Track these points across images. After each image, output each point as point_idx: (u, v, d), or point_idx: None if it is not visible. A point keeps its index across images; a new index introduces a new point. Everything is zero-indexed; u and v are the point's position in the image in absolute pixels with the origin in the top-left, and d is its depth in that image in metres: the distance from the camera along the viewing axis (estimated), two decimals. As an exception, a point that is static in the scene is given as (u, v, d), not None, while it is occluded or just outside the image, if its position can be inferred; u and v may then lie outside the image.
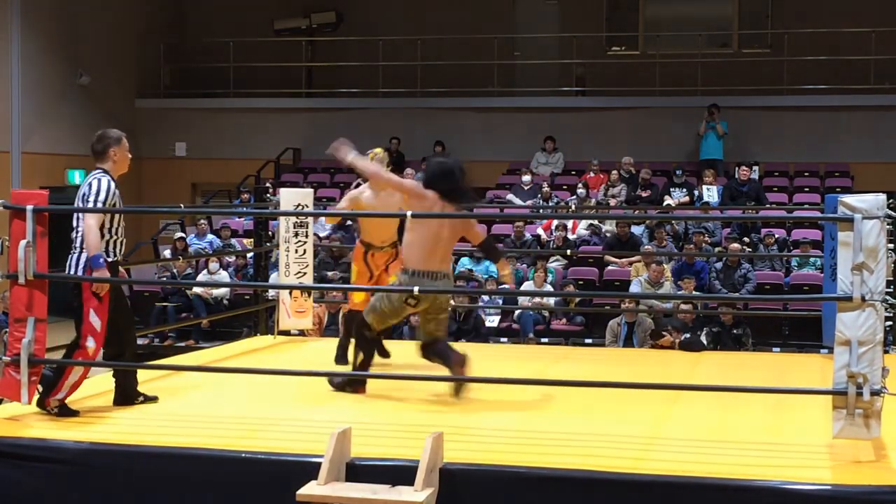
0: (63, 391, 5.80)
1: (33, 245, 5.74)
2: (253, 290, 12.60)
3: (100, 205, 5.79)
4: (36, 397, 5.80)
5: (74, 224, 5.92)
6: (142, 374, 6.93)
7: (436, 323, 6.37)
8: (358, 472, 4.92)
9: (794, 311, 10.11)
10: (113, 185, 5.88)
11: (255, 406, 6.20)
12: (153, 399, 6.18)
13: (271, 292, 9.34)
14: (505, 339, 12.64)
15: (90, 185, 5.86)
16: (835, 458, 5.07)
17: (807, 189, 17.12)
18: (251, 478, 5.07)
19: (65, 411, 5.79)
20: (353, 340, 6.63)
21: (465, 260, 14.63)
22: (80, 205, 5.84)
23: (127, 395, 6.08)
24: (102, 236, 5.83)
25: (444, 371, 6.34)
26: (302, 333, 9.91)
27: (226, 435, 5.47)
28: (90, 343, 5.83)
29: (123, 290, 6.11)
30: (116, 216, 5.91)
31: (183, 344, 13.84)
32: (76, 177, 18.79)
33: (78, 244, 5.89)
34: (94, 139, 6.02)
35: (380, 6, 20.34)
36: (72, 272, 5.87)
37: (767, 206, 15.38)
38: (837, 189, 16.24)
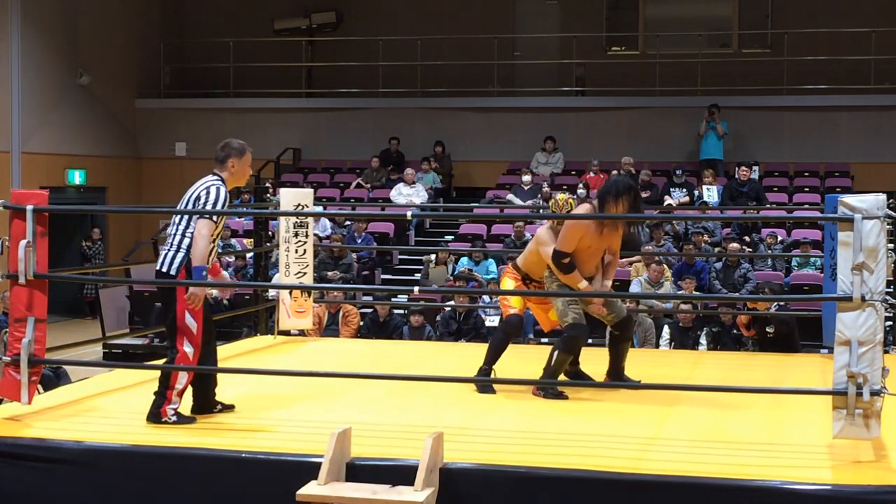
0: (174, 401, 5.67)
1: (33, 245, 5.73)
2: (253, 290, 12.61)
3: (214, 216, 5.66)
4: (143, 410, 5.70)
5: (177, 221, 5.75)
6: (142, 374, 6.94)
7: None
8: (358, 472, 4.92)
9: (794, 311, 10.11)
10: (226, 194, 5.74)
11: (256, 406, 6.20)
12: (231, 408, 6.02)
13: (271, 292, 9.34)
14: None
15: (207, 191, 5.70)
16: (835, 458, 5.07)
17: (807, 189, 17.12)
18: (251, 478, 5.07)
19: (182, 419, 5.68)
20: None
21: (464, 260, 14.63)
22: (192, 208, 5.70)
23: (207, 403, 5.95)
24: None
25: None
26: (302, 333, 9.91)
27: (226, 435, 5.47)
28: (187, 347, 5.67)
29: (207, 299, 5.86)
30: (222, 226, 5.79)
31: (183, 344, 13.81)
32: (76, 177, 18.80)
33: (176, 243, 5.72)
34: (220, 146, 5.90)
35: (380, 6, 20.35)
36: (164, 270, 5.70)
37: (767, 206, 15.38)
38: (837, 189, 16.24)
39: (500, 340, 6.91)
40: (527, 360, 7.17)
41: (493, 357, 6.85)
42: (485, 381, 6.62)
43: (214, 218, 5.66)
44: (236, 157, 5.85)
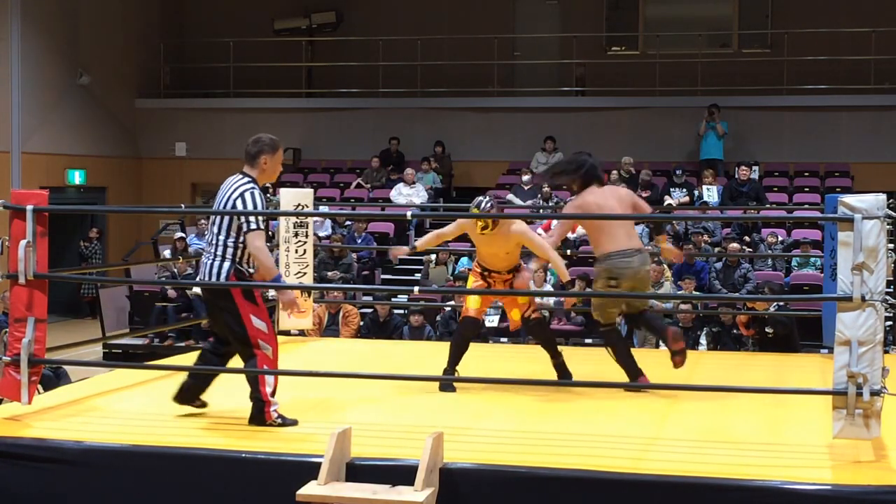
0: (273, 402, 5.62)
1: (33, 245, 5.73)
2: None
3: (260, 223, 5.51)
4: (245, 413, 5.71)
5: (215, 230, 5.58)
6: (142, 374, 6.94)
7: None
8: (358, 472, 4.92)
9: (794, 311, 10.11)
10: (262, 198, 5.57)
11: (255, 406, 6.19)
12: (205, 405, 5.95)
13: (271, 292, 9.34)
14: (505, 339, 12.63)
15: (242, 198, 5.52)
16: (835, 458, 5.07)
17: (807, 189, 17.12)
18: (251, 478, 5.07)
19: (286, 421, 5.63)
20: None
21: (464, 260, 14.63)
22: (228, 214, 5.53)
23: (192, 395, 5.88)
24: (237, 248, 5.57)
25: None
26: (302, 333, 9.91)
27: (226, 435, 5.47)
28: (266, 347, 5.61)
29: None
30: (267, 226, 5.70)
31: (183, 344, 13.84)
32: (76, 177, 18.81)
33: (220, 252, 5.58)
34: (250, 141, 5.69)
35: (380, 6, 20.35)
36: (213, 280, 5.59)
37: (767, 206, 15.39)
38: (837, 189, 16.24)
39: (458, 342, 6.93)
40: (528, 360, 7.16)
41: (454, 358, 6.86)
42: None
43: (261, 224, 5.51)
44: (269, 154, 5.67)
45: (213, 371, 5.84)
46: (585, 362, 7.22)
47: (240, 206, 5.53)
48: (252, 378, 5.64)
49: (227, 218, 5.56)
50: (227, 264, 5.59)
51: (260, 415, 5.62)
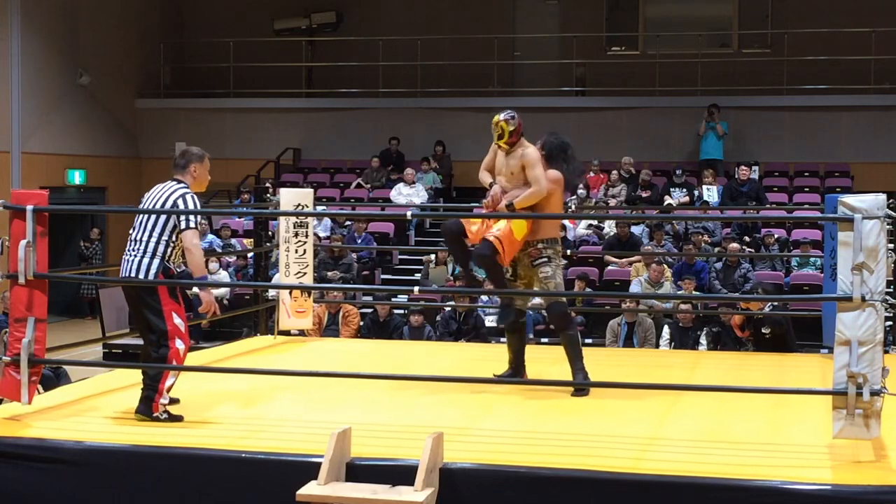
0: (165, 397, 5.72)
1: (33, 245, 5.73)
2: (253, 290, 12.61)
3: (198, 223, 5.84)
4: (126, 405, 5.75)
5: (149, 226, 5.78)
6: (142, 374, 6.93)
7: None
8: (358, 472, 4.92)
9: (794, 311, 10.11)
10: (198, 201, 5.90)
11: (255, 406, 6.20)
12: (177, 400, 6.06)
13: (271, 292, 9.34)
14: (504, 340, 12.62)
15: (184, 200, 5.80)
16: (835, 458, 5.07)
17: (807, 189, 17.13)
18: (251, 478, 5.07)
19: (172, 417, 5.72)
20: None
21: (464, 260, 14.60)
22: (178, 217, 5.76)
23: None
24: (169, 246, 5.79)
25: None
26: (302, 333, 9.91)
27: (226, 435, 5.47)
28: (179, 344, 5.76)
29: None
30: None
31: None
32: (76, 177, 18.81)
33: (151, 249, 5.77)
34: (178, 154, 6.07)
35: (380, 6, 20.35)
36: (142, 277, 5.74)
37: (767, 206, 15.39)
38: (837, 189, 16.25)
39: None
40: (528, 360, 7.14)
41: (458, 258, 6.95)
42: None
43: (198, 225, 5.79)
44: (198, 163, 6.02)
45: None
46: (586, 362, 7.20)
47: (180, 206, 5.81)
48: (155, 371, 5.71)
49: (163, 217, 5.81)
50: (156, 261, 5.78)
51: (148, 405, 5.70)
